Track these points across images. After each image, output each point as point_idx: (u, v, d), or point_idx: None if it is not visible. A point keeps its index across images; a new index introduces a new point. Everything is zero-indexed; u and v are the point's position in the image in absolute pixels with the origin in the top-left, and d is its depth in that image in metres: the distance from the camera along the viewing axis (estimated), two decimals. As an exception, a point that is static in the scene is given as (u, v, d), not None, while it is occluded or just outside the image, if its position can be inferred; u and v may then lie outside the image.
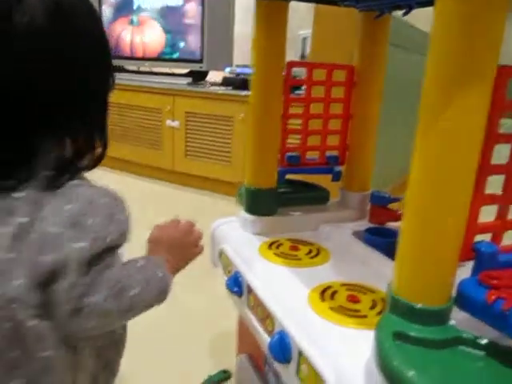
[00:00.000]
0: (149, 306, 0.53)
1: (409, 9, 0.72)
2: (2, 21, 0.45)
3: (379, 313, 0.53)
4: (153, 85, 2.52)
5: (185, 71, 2.63)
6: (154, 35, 2.65)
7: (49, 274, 0.45)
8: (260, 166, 0.77)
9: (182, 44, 2.57)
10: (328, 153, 0.84)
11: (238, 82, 2.29)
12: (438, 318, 0.41)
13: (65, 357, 0.49)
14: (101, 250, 0.48)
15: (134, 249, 0.55)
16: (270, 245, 0.71)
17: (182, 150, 2.46)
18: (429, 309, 0.40)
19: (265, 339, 0.57)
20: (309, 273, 0.63)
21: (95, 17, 0.54)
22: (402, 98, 1.67)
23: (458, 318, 0.42)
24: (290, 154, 0.81)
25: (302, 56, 2.26)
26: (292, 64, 0.76)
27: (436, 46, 0.37)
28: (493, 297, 0.40)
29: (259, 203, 0.77)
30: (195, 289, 1.33)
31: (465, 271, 0.44)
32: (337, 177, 0.84)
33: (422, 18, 1.08)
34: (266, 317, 0.57)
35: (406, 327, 0.40)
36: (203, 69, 2.52)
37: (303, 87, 0.83)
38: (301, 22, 1.61)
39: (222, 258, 0.73)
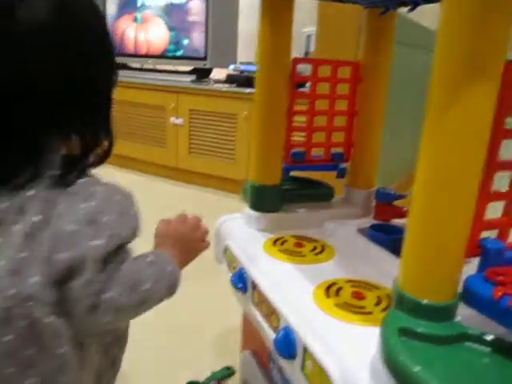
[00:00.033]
0: (160, 299, 0.54)
1: (414, 5, 0.71)
2: (4, 18, 0.45)
3: (384, 309, 0.53)
4: (157, 82, 2.52)
5: (189, 69, 2.62)
6: (158, 32, 2.64)
7: (65, 271, 0.46)
8: (265, 162, 0.77)
9: (185, 41, 2.57)
10: (333, 150, 0.84)
11: (242, 80, 2.29)
12: (444, 314, 0.41)
13: (76, 354, 0.50)
14: (116, 246, 0.49)
15: (139, 244, 0.55)
16: (275, 241, 0.71)
17: (185, 148, 2.46)
18: (435, 305, 0.40)
19: (270, 335, 0.57)
20: (313, 269, 0.63)
21: (98, 14, 0.54)
22: (407, 95, 1.67)
23: (464, 314, 0.41)
24: (294, 150, 0.81)
25: (306, 53, 2.26)
26: (297, 60, 0.76)
27: (443, 43, 0.37)
28: (499, 293, 0.39)
29: (264, 200, 0.77)
30: (198, 286, 1.33)
31: (471, 268, 0.44)
32: (341, 174, 0.84)
33: (428, 15, 1.07)
34: (270, 313, 0.57)
35: (412, 323, 0.40)
36: (207, 66, 2.52)
37: (307, 84, 0.83)
38: (305, 19, 1.61)
39: (227, 254, 0.73)
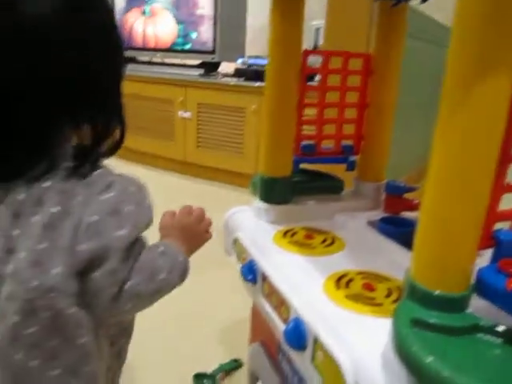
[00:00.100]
0: (172, 288, 0.55)
1: (426, -3, 0.71)
2: (9, 10, 0.45)
3: (395, 301, 0.53)
4: (165, 76, 2.53)
5: (197, 62, 2.62)
6: (167, 26, 2.64)
7: (88, 261, 0.46)
8: (275, 154, 0.77)
9: (194, 35, 2.56)
10: (343, 142, 0.84)
11: (250, 73, 2.28)
12: (457, 305, 0.40)
13: (95, 344, 0.50)
14: (136, 236, 0.50)
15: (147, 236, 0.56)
16: (285, 233, 0.71)
17: (193, 141, 2.47)
18: (447, 296, 0.40)
19: (279, 327, 0.57)
20: (324, 261, 0.63)
21: (107, 7, 0.54)
22: (418, 88, 1.66)
23: (477, 305, 0.41)
24: (304, 143, 0.81)
25: (315, 47, 2.25)
26: (308, 52, 0.76)
27: (458, 37, 0.36)
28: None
29: (274, 192, 0.77)
30: (205, 278, 1.33)
31: (484, 260, 0.44)
32: (351, 166, 0.84)
33: (440, 10, 1.07)
34: (280, 304, 0.57)
35: (424, 314, 0.40)
36: (215, 60, 2.51)
37: (316, 78, 0.82)
38: (314, 12, 1.60)
39: (236, 245, 0.73)
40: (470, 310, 0.41)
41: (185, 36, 2.60)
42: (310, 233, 0.71)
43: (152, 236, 0.57)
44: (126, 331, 0.60)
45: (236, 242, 0.73)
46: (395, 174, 0.92)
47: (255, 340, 0.83)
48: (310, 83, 0.78)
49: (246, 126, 2.26)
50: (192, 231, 0.65)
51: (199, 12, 2.51)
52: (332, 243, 0.68)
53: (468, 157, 0.37)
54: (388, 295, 0.54)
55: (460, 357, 0.37)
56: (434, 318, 0.39)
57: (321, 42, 2.15)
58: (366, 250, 0.67)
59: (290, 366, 0.66)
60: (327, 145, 0.83)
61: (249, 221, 0.77)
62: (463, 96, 0.36)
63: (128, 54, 2.65)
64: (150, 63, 2.80)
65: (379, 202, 0.82)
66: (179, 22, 2.60)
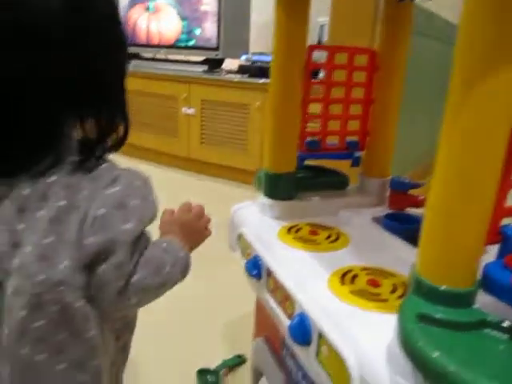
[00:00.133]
0: (176, 283, 0.56)
1: (433, -8, 0.70)
2: (8, 10, 0.45)
3: (400, 297, 0.53)
4: (168, 72, 2.53)
5: (201, 59, 2.62)
6: (170, 22, 2.64)
7: (94, 255, 0.46)
8: (280, 150, 0.77)
9: (198, 31, 2.56)
10: (348, 138, 0.84)
11: (254, 70, 2.28)
12: (463, 300, 0.40)
13: (101, 338, 0.50)
14: (141, 230, 0.50)
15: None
16: (289, 229, 0.71)
17: (197, 138, 2.47)
18: (453, 291, 0.40)
19: (284, 322, 0.57)
20: (328, 257, 0.63)
21: (110, 2, 0.54)
22: (423, 84, 1.66)
23: (484, 301, 0.41)
24: (309, 139, 0.80)
25: (319, 43, 2.24)
26: (313, 47, 0.75)
27: (465, 33, 0.36)
28: (518, 280, 0.39)
29: (278, 187, 0.77)
30: (209, 274, 1.33)
31: (490, 256, 0.44)
32: (356, 162, 0.84)
33: (446, 8, 1.06)
34: (285, 299, 0.57)
35: (430, 309, 0.40)
36: (219, 56, 2.51)
37: (321, 74, 0.82)
38: (319, 9, 1.59)
39: (241, 241, 0.73)
40: (476, 306, 0.41)
41: (189, 32, 2.59)
42: (315, 229, 0.71)
43: (153, 231, 0.57)
44: (129, 325, 0.61)
45: (240, 237, 0.73)
46: (400, 170, 0.91)
47: (259, 335, 0.83)
48: (314, 79, 0.78)
49: (250, 122, 2.26)
50: (191, 228, 0.66)
51: (203, 8, 2.51)
52: (337, 239, 0.68)
53: (474, 153, 0.37)
54: (393, 291, 0.54)
55: (466, 352, 0.37)
56: (439, 313, 0.39)
57: (325, 38, 2.14)
58: (371, 246, 0.67)
59: (294, 361, 0.66)
60: (332, 141, 0.83)
61: (253, 216, 0.77)
62: (470, 93, 0.36)
63: (132, 50, 2.65)
64: (153, 60, 2.80)
65: (384, 198, 0.82)
66: (183, 18, 2.60)
